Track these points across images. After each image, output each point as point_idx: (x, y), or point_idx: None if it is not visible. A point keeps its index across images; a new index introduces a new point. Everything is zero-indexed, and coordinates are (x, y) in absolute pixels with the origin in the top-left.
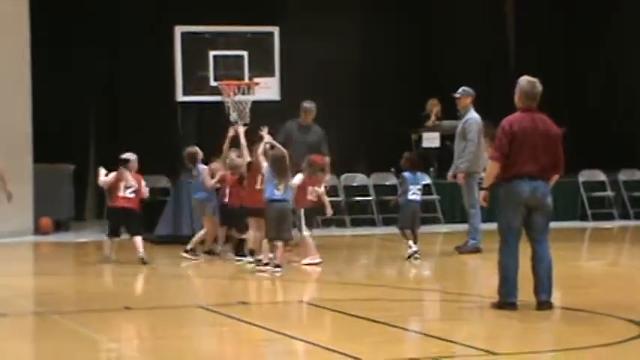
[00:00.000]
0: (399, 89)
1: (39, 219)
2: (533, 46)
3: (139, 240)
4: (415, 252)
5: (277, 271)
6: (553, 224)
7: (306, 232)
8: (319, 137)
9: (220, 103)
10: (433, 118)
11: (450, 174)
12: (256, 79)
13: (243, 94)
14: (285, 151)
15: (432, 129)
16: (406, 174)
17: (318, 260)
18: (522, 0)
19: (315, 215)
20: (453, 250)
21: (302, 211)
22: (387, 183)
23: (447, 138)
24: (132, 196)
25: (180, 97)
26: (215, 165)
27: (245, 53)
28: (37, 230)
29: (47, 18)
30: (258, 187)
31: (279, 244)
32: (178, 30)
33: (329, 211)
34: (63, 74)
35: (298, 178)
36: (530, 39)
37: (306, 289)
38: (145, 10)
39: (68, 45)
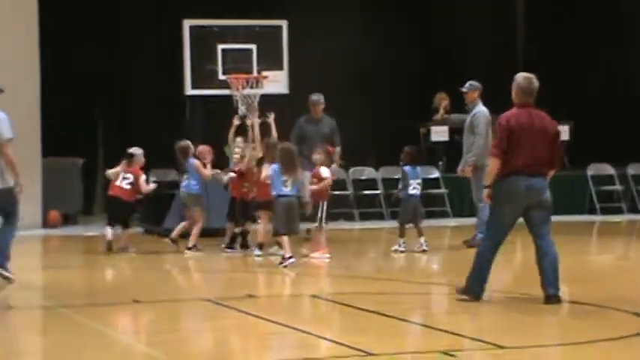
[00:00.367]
0: (409, 82)
1: (47, 212)
2: (541, 42)
3: (125, 232)
4: (422, 245)
5: (292, 262)
6: (562, 218)
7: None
8: (331, 128)
9: (229, 97)
10: (442, 111)
11: (459, 169)
12: (265, 73)
13: (252, 87)
14: (292, 145)
15: (441, 123)
16: (406, 168)
17: (327, 256)
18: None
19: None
20: (462, 243)
21: (325, 204)
22: (396, 176)
23: (456, 132)
24: (127, 187)
25: (189, 91)
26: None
27: (254, 47)
28: (46, 224)
29: (55, 13)
30: (268, 180)
31: (285, 238)
32: (187, 24)
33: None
34: (72, 68)
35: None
36: (538, 35)
37: (314, 282)
38: (155, 3)
39: (77, 38)
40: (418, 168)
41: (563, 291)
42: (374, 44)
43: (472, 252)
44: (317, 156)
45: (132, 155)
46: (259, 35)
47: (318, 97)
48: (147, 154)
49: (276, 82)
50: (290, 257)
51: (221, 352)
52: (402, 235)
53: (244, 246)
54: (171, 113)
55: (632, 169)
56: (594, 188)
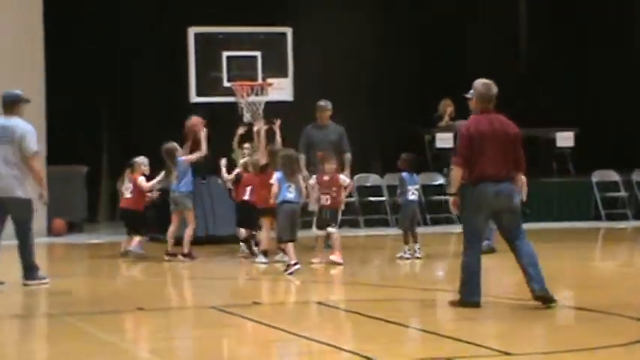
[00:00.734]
0: (413, 89)
1: (52, 221)
2: (545, 46)
3: (134, 238)
4: (415, 252)
5: (297, 268)
6: (567, 224)
7: (320, 232)
8: (339, 134)
9: (234, 104)
10: (447, 118)
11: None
12: (269, 80)
13: (257, 94)
14: (294, 151)
15: (446, 129)
16: (404, 175)
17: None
18: (536, 3)
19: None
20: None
21: (339, 210)
22: None
23: None
24: (129, 196)
25: (194, 98)
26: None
27: (258, 54)
28: (51, 232)
29: (60, 18)
30: (274, 195)
31: (290, 244)
32: (192, 31)
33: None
34: (75, 76)
35: (312, 180)
36: (542, 39)
37: (319, 289)
38: (159, 11)
39: (80, 45)
40: (415, 175)
41: (569, 297)
42: (379, 52)
43: None
44: (330, 166)
45: (132, 164)
46: (264, 42)
47: (324, 104)
48: (152, 162)
49: (281, 90)
50: (295, 264)
51: (226, 359)
52: (406, 241)
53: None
54: (176, 121)
55: (636, 176)
56: (599, 195)
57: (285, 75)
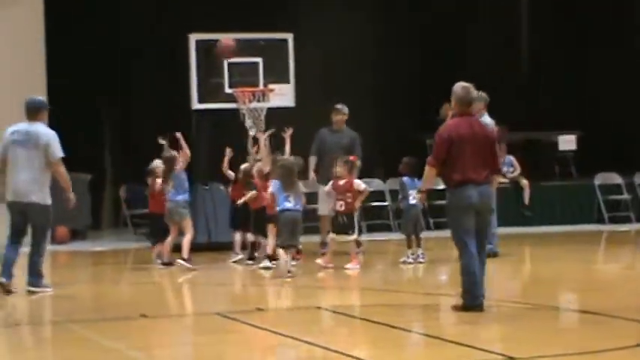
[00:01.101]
0: (413, 90)
1: (56, 228)
2: (545, 46)
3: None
4: (418, 256)
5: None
6: (570, 227)
7: (332, 236)
8: (351, 139)
9: (236, 111)
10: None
11: None
12: (271, 86)
13: (259, 101)
14: (293, 161)
15: None
16: (405, 179)
17: (357, 265)
18: (536, 4)
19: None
20: None
21: (355, 215)
22: None
23: None
24: (151, 201)
25: (196, 105)
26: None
27: (259, 60)
28: (54, 239)
29: (62, 27)
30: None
31: (291, 250)
32: (193, 38)
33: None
34: (77, 85)
35: (328, 186)
36: (542, 39)
37: (322, 294)
38: (160, 18)
39: (82, 54)
40: (417, 179)
41: (573, 300)
42: (379, 52)
43: None
44: (339, 169)
45: (153, 169)
46: (265, 48)
47: (340, 107)
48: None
49: (283, 96)
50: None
51: None
52: (409, 246)
53: (252, 257)
54: (179, 128)
55: (639, 178)
56: (602, 197)
57: (286, 81)
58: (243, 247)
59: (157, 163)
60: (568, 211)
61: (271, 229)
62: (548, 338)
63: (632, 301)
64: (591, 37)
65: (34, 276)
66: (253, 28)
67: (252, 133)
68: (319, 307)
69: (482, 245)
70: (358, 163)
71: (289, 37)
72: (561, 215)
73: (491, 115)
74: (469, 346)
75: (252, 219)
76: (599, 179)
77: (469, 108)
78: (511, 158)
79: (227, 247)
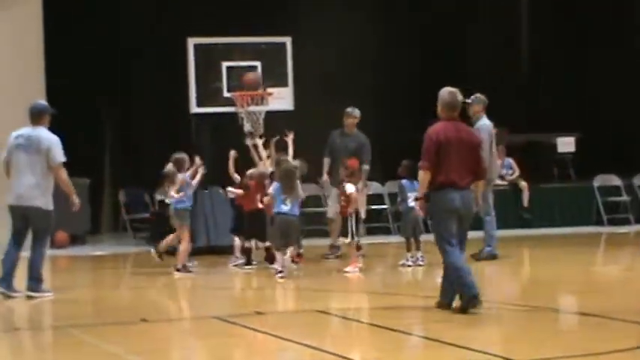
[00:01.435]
0: (415, 95)
1: (55, 233)
2: (545, 46)
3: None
4: (418, 259)
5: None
6: (569, 229)
7: (346, 240)
8: (358, 143)
9: (234, 114)
10: None
11: None
12: (269, 90)
13: (257, 104)
14: (296, 164)
15: None
16: (404, 182)
17: (356, 269)
18: (536, 5)
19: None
20: (470, 257)
21: (353, 218)
22: None
23: None
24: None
25: (194, 109)
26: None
27: (258, 64)
28: (54, 244)
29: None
30: (266, 202)
31: (287, 251)
32: (191, 42)
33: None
34: (76, 89)
35: (352, 187)
36: (542, 39)
37: (321, 297)
38: (158, 22)
39: (80, 59)
40: (416, 182)
41: (572, 302)
42: (379, 53)
43: (481, 265)
44: (341, 171)
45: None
46: (264, 52)
47: (350, 110)
48: (153, 173)
49: (281, 99)
50: (281, 271)
51: None
52: (409, 249)
53: (249, 262)
54: (177, 131)
55: (638, 180)
56: (601, 199)
57: (285, 84)
58: (244, 251)
59: (170, 167)
60: (567, 213)
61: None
62: (547, 340)
63: (631, 303)
64: (591, 38)
65: (34, 281)
66: (252, 32)
67: (248, 142)
68: (319, 311)
69: (463, 250)
70: (365, 167)
71: (288, 40)
72: (560, 217)
73: (490, 117)
74: (468, 349)
75: (246, 222)
76: (598, 181)
77: (455, 112)
78: (510, 160)
79: (226, 250)
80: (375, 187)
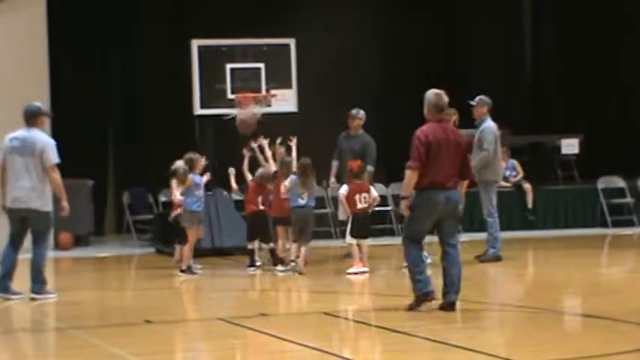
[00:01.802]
0: (416, 97)
1: (58, 234)
2: (546, 46)
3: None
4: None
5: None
6: (573, 231)
7: (352, 241)
8: (362, 145)
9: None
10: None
11: None
12: (273, 91)
13: (261, 106)
14: (309, 160)
15: None
16: None
17: (363, 269)
18: (540, 10)
19: (365, 223)
20: (473, 259)
21: (350, 217)
22: None
23: None
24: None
25: (198, 111)
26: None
27: (262, 65)
28: (57, 246)
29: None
30: (283, 196)
31: (303, 248)
32: (195, 44)
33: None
34: (80, 92)
35: (344, 189)
36: (543, 39)
37: (325, 299)
38: (162, 24)
39: (84, 61)
40: None
41: (576, 304)
42: (382, 61)
43: (485, 267)
44: (347, 175)
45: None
46: (267, 54)
47: (355, 112)
48: (157, 174)
49: (285, 101)
50: (292, 260)
51: None
52: None
53: (276, 262)
54: (181, 133)
55: None
56: (605, 201)
57: (289, 86)
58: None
59: (180, 164)
60: (571, 215)
61: (281, 231)
62: (551, 342)
63: (636, 305)
64: (595, 39)
65: (38, 283)
66: (256, 34)
67: (253, 144)
68: (323, 312)
69: (455, 246)
70: (369, 168)
71: (291, 42)
72: (564, 219)
73: (494, 118)
74: (473, 351)
75: (247, 223)
76: (602, 183)
77: (441, 114)
78: (514, 162)
79: (231, 252)
80: (379, 189)
